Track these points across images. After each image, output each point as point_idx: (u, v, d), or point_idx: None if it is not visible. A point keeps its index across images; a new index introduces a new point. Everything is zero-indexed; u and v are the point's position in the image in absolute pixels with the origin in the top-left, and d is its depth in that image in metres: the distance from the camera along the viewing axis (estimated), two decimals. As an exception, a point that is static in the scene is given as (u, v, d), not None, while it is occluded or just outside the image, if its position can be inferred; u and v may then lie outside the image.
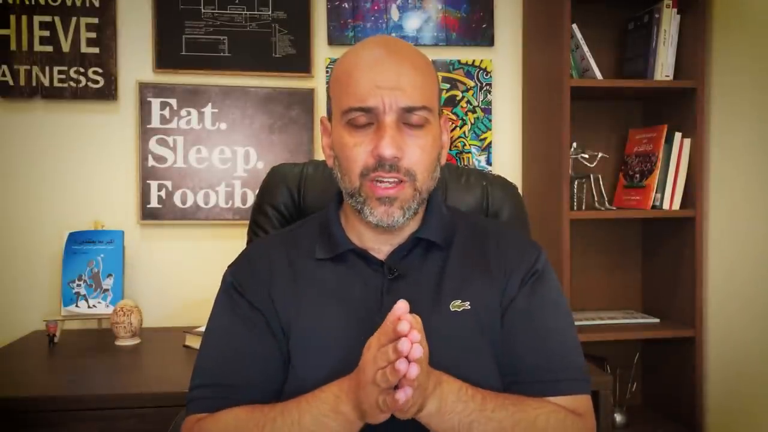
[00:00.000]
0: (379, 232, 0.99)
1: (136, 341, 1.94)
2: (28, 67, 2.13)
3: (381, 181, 0.94)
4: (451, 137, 2.27)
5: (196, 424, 0.94)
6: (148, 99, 2.18)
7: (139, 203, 2.19)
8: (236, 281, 1.02)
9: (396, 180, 0.94)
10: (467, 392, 0.88)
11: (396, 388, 0.79)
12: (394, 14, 2.29)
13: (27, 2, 2.13)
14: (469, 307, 0.96)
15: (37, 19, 2.13)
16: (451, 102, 2.31)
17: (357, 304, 0.97)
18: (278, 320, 0.97)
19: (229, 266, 1.06)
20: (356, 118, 0.94)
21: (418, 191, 0.96)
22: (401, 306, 0.81)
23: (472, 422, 0.87)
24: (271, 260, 1.02)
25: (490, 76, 2.33)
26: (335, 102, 0.98)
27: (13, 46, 2.12)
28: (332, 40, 2.26)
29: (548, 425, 0.91)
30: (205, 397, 0.95)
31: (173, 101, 2.20)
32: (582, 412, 0.96)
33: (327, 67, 2.25)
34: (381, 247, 1.01)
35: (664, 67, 2.11)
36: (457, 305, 0.97)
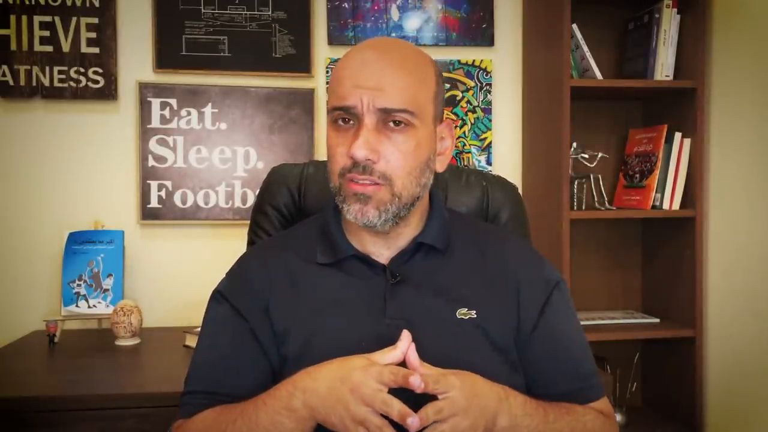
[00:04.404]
0: (376, 234, 0.99)
1: (136, 341, 1.94)
2: (28, 67, 2.13)
3: (356, 181, 0.93)
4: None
5: (179, 430, 0.95)
6: (148, 99, 2.18)
7: (139, 203, 2.19)
8: (226, 290, 1.02)
9: (370, 182, 0.92)
10: (531, 405, 0.89)
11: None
12: (394, 14, 2.29)
13: (27, 2, 2.12)
14: (476, 315, 0.96)
15: (37, 19, 2.13)
16: (451, 102, 2.31)
17: (359, 309, 0.96)
18: (272, 328, 0.96)
19: (226, 273, 1.06)
20: (338, 116, 0.94)
21: (396, 196, 0.93)
22: (407, 341, 0.85)
23: None
24: (269, 268, 1.01)
25: (490, 76, 2.33)
26: (328, 102, 0.99)
27: (13, 46, 2.12)
28: (332, 40, 2.26)
29: (595, 429, 0.95)
30: (192, 403, 0.96)
31: (173, 101, 2.19)
32: (609, 414, 1.00)
33: (327, 67, 2.25)
34: (382, 252, 1.00)
35: (664, 67, 2.11)
36: (463, 312, 0.96)
